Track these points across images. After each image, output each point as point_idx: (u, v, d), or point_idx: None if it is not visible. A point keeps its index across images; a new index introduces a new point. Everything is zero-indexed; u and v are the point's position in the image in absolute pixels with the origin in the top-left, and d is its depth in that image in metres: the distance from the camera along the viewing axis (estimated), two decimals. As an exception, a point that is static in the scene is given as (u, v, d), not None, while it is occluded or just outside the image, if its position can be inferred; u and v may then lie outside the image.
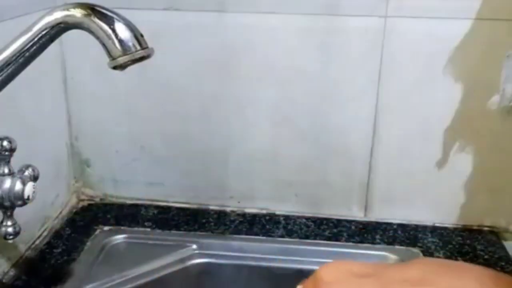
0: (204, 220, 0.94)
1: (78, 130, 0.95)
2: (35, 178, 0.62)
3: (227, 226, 0.92)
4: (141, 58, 0.50)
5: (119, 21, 0.50)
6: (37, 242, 0.85)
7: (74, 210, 0.96)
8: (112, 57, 0.50)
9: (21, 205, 0.60)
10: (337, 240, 0.88)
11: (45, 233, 0.87)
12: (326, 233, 0.90)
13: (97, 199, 0.99)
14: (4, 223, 0.60)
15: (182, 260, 0.84)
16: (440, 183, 0.90)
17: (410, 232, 0.91)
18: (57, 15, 0.51)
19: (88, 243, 0.86)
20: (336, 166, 0.92)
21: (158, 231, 0.90)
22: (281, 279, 0.84)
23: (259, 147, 0.92)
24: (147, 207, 0.97)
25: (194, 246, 0.86)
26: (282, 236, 0.88)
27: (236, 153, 0.93)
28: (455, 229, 0.91)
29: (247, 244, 0.87)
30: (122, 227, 0.91)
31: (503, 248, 0.87)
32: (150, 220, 0.93)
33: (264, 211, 0.95)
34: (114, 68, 0.50)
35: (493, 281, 0.34)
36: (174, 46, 0.88)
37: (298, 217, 0.94)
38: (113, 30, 0.49)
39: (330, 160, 0.92)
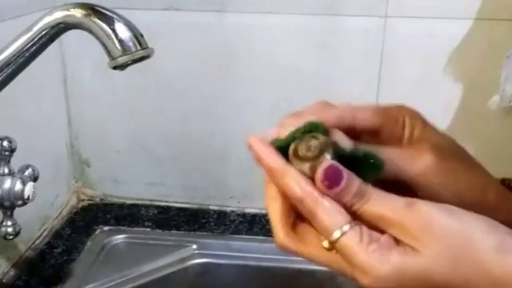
0: (204, 220, 0.94)
1: (78, 130, 0.95)
2: (35, 178, 0.62)
3: (227, 226, 0.92)
4: (141, 58, 0.50)
5: (119, 21, 0.50)
6: (37, 242, 0.85)
7: (74, 210, 0.96)
8: (112, 57, 0.50)
9: (21, 205, 0.60)
10: (337, 240, 0.88)
11: (45, 233, 0.87)
12: (326, 233, 0.90)
13: (97, 199, 0.99)
14: (4, 223, 0.60)
15: (182, 260, 0.84)
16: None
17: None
18: (57, 15, 0.51)
19: (88, 243, 0.86)
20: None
21: (158, 231, 0.90)
22: (281, 279, 0.84)
23: (259, 147, 0.92)
24: (147, 207, 0.97)
25: (194, 246, 0.86)
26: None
27: (236, 153, 0.93)
28: (455, 229, 0.91)
29: (247, 244, 0.87)
30: (122, 227, 0.91)
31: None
32: (150, 220, 0.93)
33: (264, 211, 0.95)
34: (114, 68, 0.51)
35: None
36: (174, 46, 0.88)
37: (298, 217, 0.94)
38: (113, 30, 0.49)
39: (330, 160, 0.92)
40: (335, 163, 0.33)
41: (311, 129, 0.35)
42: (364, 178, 0.34)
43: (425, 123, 0.40)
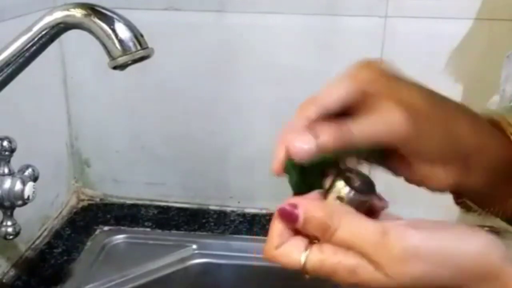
0: (204, 220, 0.94)
1: (78, 130, 0.95)
2: (35, 178, 0.62)
3: (227, 226, 0.92)
4: (141, 58, 0.50)
5: (119, 21, 0.50)
6: (37, 242, 0.85)
7: (74, 210, 0.96)
8: (112, 57, 0.50)
9: (21, 205, 0.60)
10: (337, 240, 0.88)
11: (45, 233, 0.87)
12: (326, 233, 0.90)
13: (97, 199, 0.99)
14: (4, 223, 0.60)
15: (182, 260, 0.84)
16: (440, 183, 0.90)
17: (410, 232, 0.91)
18: (57, 15, 0.51)
19: (88, 243, 0.86)
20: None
21: (158, 231, 0.90)
22: (281, 279, 0.84)
23: (259, 147, 0.92)
24: (147, 207, 0.97)
25: (194, 246, 0.86)
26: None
27: (236, 153, 0.93)
28: (455, 229, 0.91)
29: (247, 244, 0.87)
30: (122, 227, 0.91)
31: (503, 248, 0.87)
32: (150, 220, 0.93)
33: (264, 211, 0.95)
34: (114, 68, 0.51)
35: None
36: (174, 46, 0.88)
37: (298, 217, 0.94)
38: (113, 30, 0.49)
39: (330, 160, 0.92)
40: (289, 205, 0.35)
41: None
42: None
43: (390, 78, 0.40)
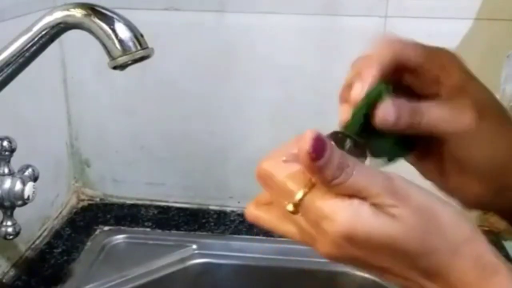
0: (204, 220, 0.94)
1: (78, 130, 0.95)
2: (35, 178, 0.62)
3: (227, 226, 0.92)
4: (141, 58, 0.50)
5: (119, 21, 0.50)
6: (37, 242, 0.85)
7: (74, 210, 0.96)
8: (112, 57, 0.50)
9: (21, 205, 0.60)
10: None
11: (45, 233, 0.87)
12: (326, 233, 0.90)
13: (97, 199, 0.99)
14: (4, 223, 0.60)
15: (182, 260, 0.84)
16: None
17: (410, 232, 0.91)
18: (57, 15, 0.51)
19: (88, 243, 0.86)
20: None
21: (158, 231, 0.90)
22: (281, 279, 0.84)
23: (259, 147, 0.92)
24: (147, 207, 0.97)
25: (194, 246, 0.86)
26: (282, 236, 0.88)
27: (236, 153, 0.93)
28: (455, 229, 0.91)
29: (247, 244, 0.87)
30: (122, 227, 0.91)
31: (503, 248, 0.87)
32: (150, 220, 0.93)
33: (264, 211, 0.95)
34: (114, 68, 0.51)
35: None
36: (174, 46, 0.88)
37: (298, 217, 0.94)
38: (113, 30, 0.49)
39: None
40: (321, 134, 0.31)
41: (376, 96, 0.37)
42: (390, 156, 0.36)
43: (467, 73, 0.38)
